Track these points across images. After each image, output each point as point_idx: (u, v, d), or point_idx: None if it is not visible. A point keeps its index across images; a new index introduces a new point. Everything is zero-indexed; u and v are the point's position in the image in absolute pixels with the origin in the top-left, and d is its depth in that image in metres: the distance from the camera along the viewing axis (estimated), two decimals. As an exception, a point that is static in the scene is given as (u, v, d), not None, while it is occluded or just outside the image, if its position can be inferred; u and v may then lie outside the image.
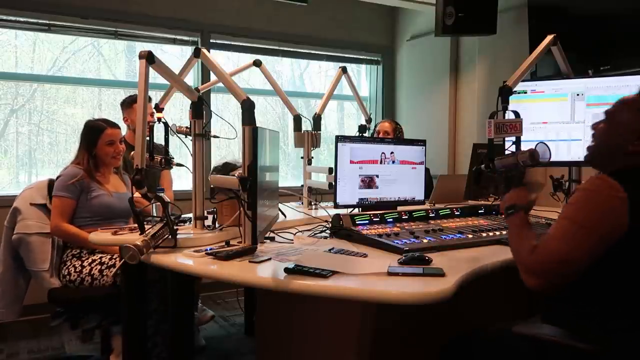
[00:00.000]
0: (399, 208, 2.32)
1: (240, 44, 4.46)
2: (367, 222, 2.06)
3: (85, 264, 2.48)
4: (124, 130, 3.24)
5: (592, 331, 1.36)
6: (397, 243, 1.77)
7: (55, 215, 2.51)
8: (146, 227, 1.75)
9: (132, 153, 2.08)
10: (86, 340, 2.91)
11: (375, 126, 3.85)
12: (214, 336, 3.24)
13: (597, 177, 1.37)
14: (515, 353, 1.47)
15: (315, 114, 2.96)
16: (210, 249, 1.69)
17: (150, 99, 2.64)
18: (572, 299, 1.42)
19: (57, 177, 2.58)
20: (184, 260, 1.63)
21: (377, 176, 2.37)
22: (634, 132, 1.40)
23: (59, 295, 2.49)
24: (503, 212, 1.62)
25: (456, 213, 2.33)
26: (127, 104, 3.24)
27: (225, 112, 4.39)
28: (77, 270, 2.47)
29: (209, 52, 2.12)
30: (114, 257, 2.46)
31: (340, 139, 2.25)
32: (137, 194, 1.78)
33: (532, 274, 1.36)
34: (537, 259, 1.35)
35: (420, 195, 2.53)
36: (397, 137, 3.76)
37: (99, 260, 2.48)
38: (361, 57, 5.07)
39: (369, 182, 2.34)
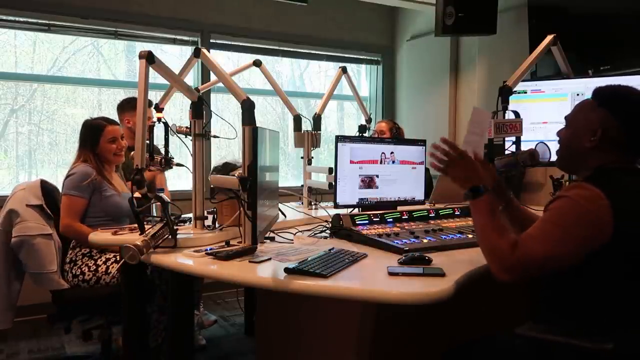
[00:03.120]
0: (399, 208, 2.32)
1: (240, 44, 4.45)
2: (367, 222, 2.06)
3: (99, 262, 2.47)
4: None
5: (591, 332, 1.36)
6: (397, 243, 1.77)
7: (67, 214, 2.48)
8: (146, 227, 1.75)
9: (131, 153, 2.08)
10: (86, 339, 2.88)
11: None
12: (214, 336, 3.24)
13: (579, 186, 1.37)
14: (518, 356, 1.47)
15: (315, 114, 2.96)
16: (210, 249, 1.69)
17: (150, 103, 2.60)
18: (567, 304, 1.42)
19: (67, 176, 2.55)
20: (184, 260, 1.63)
21: (377, 176, 2.36)
22: (588, 130, 1.46)
23: (69, 296, 2.45)
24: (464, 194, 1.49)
25: (456, 213, 2.34)
26: (127, 106, 3.21)
27: (225, 112, 4.39)
28: (92, 269, 2.45)
29: (209, 52, 2.12)
30: None
31: (340, 139, 2.25)
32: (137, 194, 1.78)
33: (510, 271, 1.33)
34: (519, 258, 1.32)
35: (420, 195, 2.53)
36: (395, 136, 3.76)
37: (114, 258, 2.46)
38: (361, 57, 5.07)
39: (369, 182, 2.34)
